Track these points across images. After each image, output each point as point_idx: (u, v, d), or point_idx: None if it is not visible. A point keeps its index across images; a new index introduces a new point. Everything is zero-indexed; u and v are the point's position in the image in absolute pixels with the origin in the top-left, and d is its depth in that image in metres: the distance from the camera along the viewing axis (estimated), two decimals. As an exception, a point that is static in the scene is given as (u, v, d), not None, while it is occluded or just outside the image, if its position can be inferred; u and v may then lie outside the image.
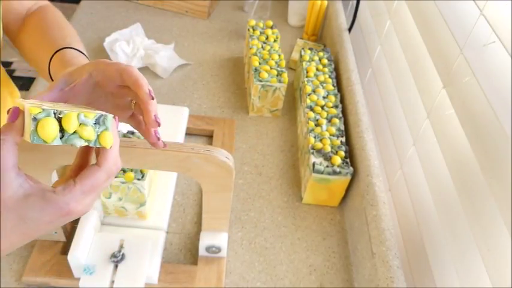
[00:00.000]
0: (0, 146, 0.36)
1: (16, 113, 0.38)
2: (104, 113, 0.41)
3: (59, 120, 0.37)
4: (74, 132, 0.38)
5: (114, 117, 0.42)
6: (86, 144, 0.39)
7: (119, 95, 0.50)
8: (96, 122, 0.40)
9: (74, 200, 0.39)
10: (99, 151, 0.41)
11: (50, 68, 0.57)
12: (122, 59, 1.06)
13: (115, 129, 0.42)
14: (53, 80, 0.56)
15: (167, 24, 1.25)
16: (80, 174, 0.40)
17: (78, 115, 0.38)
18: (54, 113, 0.37)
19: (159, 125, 0.46)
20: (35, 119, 0.36)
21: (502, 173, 0.50)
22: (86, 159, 0.44)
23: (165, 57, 1.09)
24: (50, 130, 0.37)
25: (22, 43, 0.67)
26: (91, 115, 0.39)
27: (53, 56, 0.57)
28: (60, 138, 0.38)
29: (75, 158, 0.45)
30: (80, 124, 0.38)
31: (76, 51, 0.58)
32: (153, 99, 0.45)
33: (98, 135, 0.40)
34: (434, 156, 0.66)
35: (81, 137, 0.38)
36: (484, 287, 0.52)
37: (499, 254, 0.50)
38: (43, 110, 0.37)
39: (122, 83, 0.47)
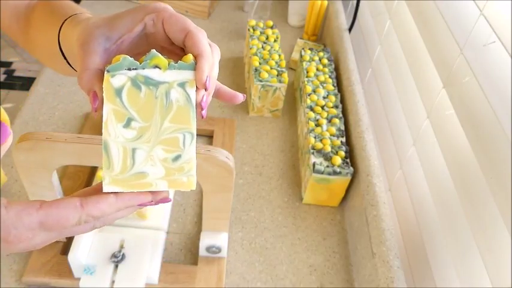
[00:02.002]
0: None
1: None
2: None
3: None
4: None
5: None
6: (164, 62, 0.36)
7: (170, 51, 0.40)
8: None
9: (24, 227, 0.33)
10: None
11: (61, 40, 0.44)
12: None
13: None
14: (66, 60, 0.44)
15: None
16: (53, 204, 0.34)
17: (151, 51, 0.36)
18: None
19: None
20: (108, 71, 0.35)
21: (502, 173, 0.50)
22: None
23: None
24: (121, 56, 0.36)
25: (31, 38, 0.53)
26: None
27: (62, 25, 0.44)
28: None
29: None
30: (154, 57, 0.36)
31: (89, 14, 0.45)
32: (206, 89, 0.37)
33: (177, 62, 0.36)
34: (434, 156, 0.66)
35: (157, 66, 0.36)
36: (484, 287, 0.52)
37: (499, 254, 0.50)
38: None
39: (180, 45, 0.38)
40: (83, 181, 0.81)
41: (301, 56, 1.03)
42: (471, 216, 0.55)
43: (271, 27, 1.10)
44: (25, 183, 0.60)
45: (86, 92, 0.36)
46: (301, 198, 0.86)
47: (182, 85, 0.36)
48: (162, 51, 0.39)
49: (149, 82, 0.36)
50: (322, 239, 0.81)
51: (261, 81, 0.94)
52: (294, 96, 1.08)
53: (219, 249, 0.71)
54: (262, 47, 1.03)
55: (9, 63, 2.37)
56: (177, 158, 0.37)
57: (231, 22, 1.29)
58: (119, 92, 0.35)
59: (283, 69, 0.97)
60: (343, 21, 1.11)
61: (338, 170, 0.78)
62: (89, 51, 0.37)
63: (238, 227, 0.81)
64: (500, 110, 0.52)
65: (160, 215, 0.76)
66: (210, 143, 0.94)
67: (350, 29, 1.11)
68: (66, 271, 0.67)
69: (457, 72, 0.62)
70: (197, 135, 0.95)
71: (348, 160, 0.80)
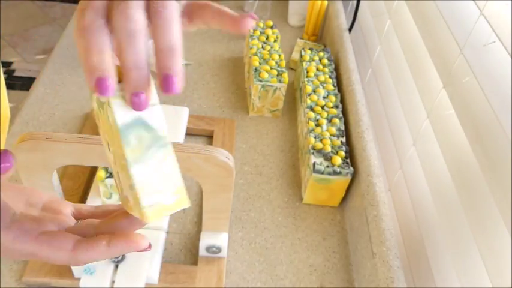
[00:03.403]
0: None
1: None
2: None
3: None
4: None
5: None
6: None
7: None
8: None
9: (15, 255, 0.34)
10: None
11: None
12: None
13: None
14: None
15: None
16: (46, 242, 0.34)
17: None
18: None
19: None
20: None
21: (502, 173, 0.50)
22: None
23: (165, 57, 1.09)
24: None
25: None
26: None
27: None
28: None
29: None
30: None
31: None
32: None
33: None
34: (434, 156, 0.66)
35: None
36: (484, 287, 0.52)
37: (499, 254, 0.50)
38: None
39: None
40: (83, 181, 0.81)
41: (301, 56, 1.03)
42: (471, 216, 0.55)
43: (271, 27, 1.10)
44: (25, 183, 0.60)
45: None
46: (301, 198, 0.86)
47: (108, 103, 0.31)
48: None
49: (98, 102, 0.32)
50: (322, 239, 0.81)
51: (261, 81, 0.94)
52: (294, 96, 1.08)
53: (219, 249, 0.71)
54: (262, 47, 1.03)
55: (9, 63, 2.37)
56: (131, 186, 0.33)
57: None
58: (97, 113, 0.33)
59: (283, 69, 0.97)
60: (343, 21, 1.11)
61: (338, 170, 0.78)
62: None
63: (238, 227, 0.81)
64: (500, 110, 0.52)
65: (160, 215, 0.76)
66: (210, 143, 0.94)
67: (350, 29, 1.11)
68: (66, 271, 0.67)
69: (457, 72, 0.62)
70: (197, 135, 0.95)
71: (348, 160, 0.80)
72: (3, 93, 0.69)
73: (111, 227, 0.37)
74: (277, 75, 0.96)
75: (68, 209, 0.39)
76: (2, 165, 0.29)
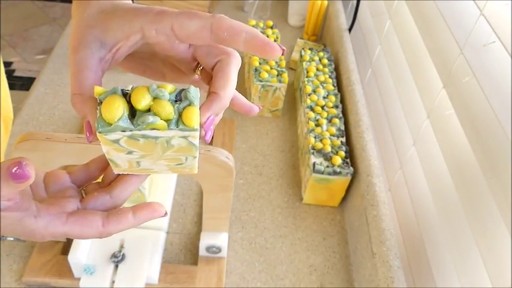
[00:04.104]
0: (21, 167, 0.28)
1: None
2: (183, 86, 0.32)
3: (128, 98, 0.30)
4: (148, 110, 0.30)
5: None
6: (163, 125, 0.30)
7: (184, 58, 0.36)
8: (177, 99, 0.31)
9: (49, 237, 0.35)
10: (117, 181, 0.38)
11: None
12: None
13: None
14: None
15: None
16: (78, 219, 0.35)
17: (149, 88, 0.30)
18: (121, 90, 0.31)
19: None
20: (100, 102, 0.30)
21: (502, 173, 0.50)
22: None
23: (165, 57, 1.09)
24: (113, 108, 0.29)
25: None
26: (167, 87, 0.31)
27: None
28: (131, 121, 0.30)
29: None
30: (154, 99, 0.30)
31: None
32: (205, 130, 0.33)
33: (180, 113, 0.31)
34: (434, 156, 0.66)
35: (155, 114, 0.30)
36: (484, 287, 0.52)
37: (499, 254, 0.50)
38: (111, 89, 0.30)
39: (208, 42, 0.33)
40: (83, 181, 0.81)
41: (301, 56, 1.03)
42: (471, 216, 0.55)
43: (271, 27, 1.10)
44: (25, 183, 0.60)
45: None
46: (301, 198, 0.86)
47: (184, 137, 0.32)
48: (164, 65, 0.37)
49: (147, 137, 0.32)
50: (322, 239, 0.81)
51: (261, 81, 0.94)
52: (294, 96, 1.08)
53: (219, 249, 0.71)
54: (262, 47, 1.03)
55: (9, 63, 2.37)
56: (179, 165, 0.37)
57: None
58: (116, 141, 0.32)
59: (283, 69, 0.97)
60: (343, 21, 1.11)
61: (338, 170, 0.78)
62: (82, 64, 0.32)
63: (238, 227, 0.81)
64: (500, 110, 0.52)
65: (160, 215, 0.76)
66: (210, 143, 0.94)
67: (350, 29, 1.11)
68: (66, 271, 0.67)
69: (457, 72, 0.62)
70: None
71: (348, 160, 0.80)
72: (5, 95, 0.70)
73: (123, 194, 0.40)
74: (277, 75, 0.96)
75: (65, 178, 0.40)
76: (17, 180, 0.29)
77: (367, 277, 0.70)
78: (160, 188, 0.80)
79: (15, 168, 0.28)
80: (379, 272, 0.65)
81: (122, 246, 0.68)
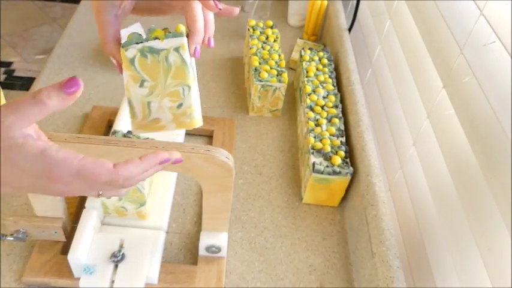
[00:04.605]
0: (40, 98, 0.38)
1: (74, 84, 0.41)
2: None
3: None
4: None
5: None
6: (161, 34, 0.46)
7: (167, 5, 0.54)
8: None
9: (65, 170, 0.38)
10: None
11: None
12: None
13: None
14: None
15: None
16: (91, 159, 0.40)
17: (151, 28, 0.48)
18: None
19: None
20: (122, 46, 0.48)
21: (502, 173, 0.50)
22: None
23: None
24: (130, 34, 0.47)
25: None
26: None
27: None
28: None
29: None
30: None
31: None
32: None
33: (172, 32, 0.47)
34: (434, 156, 0.66)
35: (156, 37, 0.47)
36: (484, 287, 0.52)
37: (499, 254, 0.50)
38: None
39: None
40: (82, 181, 0.81)
41: (301, 55, 1.03)
42: (471, 216, 0.55)
43: (271, 27, 1.10)
44: (25, 183, 0.60)
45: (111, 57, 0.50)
46: (301, 198, 0.86)
47: (177, 49, 0.47)
48: (160, 5, 0.53)
49: (153, 50, 0.47)
50: (322, 239, 0.81)
51: (260, 81, 0.94)
52: (293, 96, 1.08)
53: (218, 249, 0.71)
54: (262, 47, 1.03)
55: (9, 63, 2.37)
56: (180, 106, 0.49)
57: (231, 22, 1.29)
58: (132, 61, 0.47)
59: (283, 69, 0.97)
60: (343, 21, 1.11)
61: (338, 169, 0.78)
62: (105, 23, 0.49)
63: (238, 226, 0.81)
64: (500, 110, 0.52)
65: (160, 215, 0.76)
66: (210, 143, 0.94)
67: (350, 29, 1.11)
68: (66, 271, 0.67)
69: (457, 72, 0.62)
70: (197, 135, 0.95)
71: (348, 160, 0.80)
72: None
73: None
74: (277, 75, 0.96)
75: None
76: (70, 90, 0.40)
77: (366, 277, 0.70)
78: (160, 188, 0.80)
79: (66, 81, 0.40)
80: (379, 272, 0.65)
81: (121, 246, 0.68)
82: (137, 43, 0.47)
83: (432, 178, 0.67)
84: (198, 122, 0.50)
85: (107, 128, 0.92)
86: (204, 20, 0.49)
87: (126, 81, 0.48)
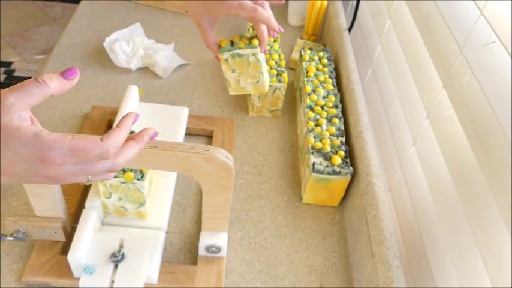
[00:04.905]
0: (35, 83, 0.42)
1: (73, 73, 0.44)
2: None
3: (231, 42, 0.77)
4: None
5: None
6: (243, 46, 0.76)
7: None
8: (250, 38, 0.77)
9: (57, 150, 0.40)
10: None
11: None
12: (122, 58, 1.06)
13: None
14: None
15: (167, 24, 1.25)
16: (80, 136, 0.41)
17: (239, 36, 0.78)
18: (230, 40, 0.77)
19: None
20: (220, 46, 0.77)
21: (502, 173, 0.50)
22: None
23: (165, 57, 1.09)
24: (225, 42, 0.76)
25: None
26: (245, 36, 0.77)
27: None
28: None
29: None
30: (240, 38, 0.78)
31: None
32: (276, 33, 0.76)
33: (251, 43, 0.77)
34: (434, 156, 0.66)
35: (239, 46, 0.77)
36: (484, 287, 0.52)
37: (499, 254, 0.50)
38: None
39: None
40: (82, 181, 0.81)
41: (300, 55, 1.03)
42: (471, 216, 0.55)
43: (271, 27, 1.09)
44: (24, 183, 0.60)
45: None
46: (300, 198, 0.86)
47: (253, 54, 0.77)
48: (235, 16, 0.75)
49: (239, 55, 0.77)
50: (321, 239, 0.81)
51: None
52: (293, 96, 1.08)
53: (218, 249, 0.71)
54: (262, 47, 1.03)
55: (9, 63, 2.37)
56: (257, 82, 0.81)
57: (231, 22, 1.29)
58: (226, 60, 0.78)
59: (283, 69, 0.97)
60: (343, 21, 1.11)
61: (338, 169, 0.78)
62: (205, 31, 0.75)
63: (238, 226, 0.81)
64: (500, 110, 0.52)
65: (159, 215, 0.76)
66: (210, 143, 0.94)
67: (350, 29, 1.11)
68: (66, 271, 0.67)
69: (457, 72, 0.62)
70: (197, 135, 0.95)
71: (348, 160, 0.80)
72: None
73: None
74: (277, 75, 0.96)
75: None
76: (69, 77, 0.43)
77: (366, 277, 0.70)
78: (160, 188, 0.80)
79: (66, 70, 0.43)
80: (379, 272, 0.65)
81: (121, 246, 0.68)
82: (229, 51, 0.76)
83: (432, 178, 0.66)
84: (266, 89, 0.84)
85: (107, 128, 0.92)
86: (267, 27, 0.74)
87: (223, 69, 0.79)
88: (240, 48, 0.75)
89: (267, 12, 0.71)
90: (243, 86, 0.81)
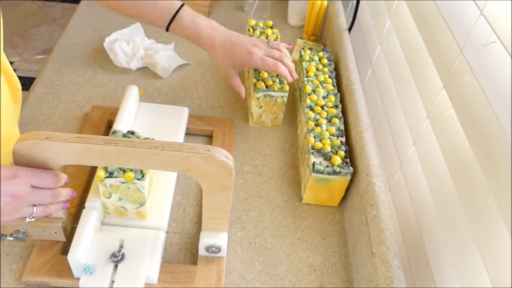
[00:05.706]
0: None
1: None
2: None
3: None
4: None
5: None
6: (276, 90, 0.92)
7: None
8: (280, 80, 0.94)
9: None
10: None
11: (170, 29, 0.86)
12: (122, 58, 1.06)
13: None
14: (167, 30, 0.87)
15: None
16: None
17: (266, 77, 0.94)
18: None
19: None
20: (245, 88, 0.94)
21: (502, 173, 0.50)
22: None
23: (165, 57, 1.09)
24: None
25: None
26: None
27: (170, 22, 0.85)
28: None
29: None
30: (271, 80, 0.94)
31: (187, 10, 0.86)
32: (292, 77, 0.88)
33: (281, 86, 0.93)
34: (434, 156, 0.66)
35: (272, 89, 0.92)
36: (484, 287, 0.52)
37: (499, 254, 0.50)
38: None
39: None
40: (82, 181, 0.81)
41: (300, 55, 1.03)
42: (471, 216, 0.55)
43: (271, 27, 1.09)
44: (25, 183, 0.60)
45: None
46: (300, 198, 0.86)
47: (282, 97, 0.92)
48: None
49: (270, 96, 0.92)
50: (321, 239, 0.81)
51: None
52: (293, 96, 1.08)
53: (218, 249, 0.71)
54: (262, 47, 1.03)
55: (9, 63, 2.37)
56: (275, 118, 0.97)
57: (231, 22, 1.29)
58: (258, 98, 0.92)
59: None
60: (343, 21, 1.11)
61: (338, 169, 0.78)
62: (232, 78, 0.90)
63: (238, 226, 0.81)
64: (500, 110, 0.52)
65: (159, 215, 0.76)
66: (210, 143, 0.94)
67: (350, 29, 1.10)
68: (66, 271, 0.67)
69: (457, 72, 0.62)
70: (197, 135, 0.95)
71: (348, 160, 0.80)
72: (8, 66, 0.75)
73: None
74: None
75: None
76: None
77: (366, 277, 0.70)
78: (160, 188, 0.80)
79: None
80: (379, 272, 0.65)
81: (121, 246, 0.68)
82: (263, 91, 0.90)
83: (432, 178, 0.67)
84: (279, 125, 1.00)
85: (107, 128, 0.92)
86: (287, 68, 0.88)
87: (253, 105, 0.93)
88: (273, 91, 0.90)
89: (285, 68, 0.86)
90: (263, 119, 0.97)
